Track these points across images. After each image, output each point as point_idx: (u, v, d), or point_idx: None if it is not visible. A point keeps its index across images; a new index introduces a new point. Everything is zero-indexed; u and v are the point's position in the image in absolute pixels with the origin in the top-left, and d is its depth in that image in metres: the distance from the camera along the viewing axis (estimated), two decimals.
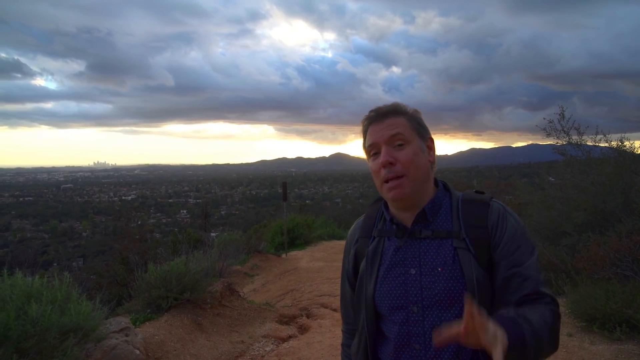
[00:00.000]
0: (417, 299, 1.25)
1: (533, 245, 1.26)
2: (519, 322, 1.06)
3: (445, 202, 1.33)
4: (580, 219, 6.45)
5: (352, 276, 1.46)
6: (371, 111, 1.36)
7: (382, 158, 1.27)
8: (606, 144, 7.06)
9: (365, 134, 1.36)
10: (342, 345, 1.56)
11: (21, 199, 77.40)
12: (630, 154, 6.79)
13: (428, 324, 1.23)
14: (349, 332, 1.51)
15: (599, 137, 7.06)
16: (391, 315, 1.29)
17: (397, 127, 1.29)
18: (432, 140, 1.36)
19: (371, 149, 1.32)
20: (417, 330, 1.24)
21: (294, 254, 12.30)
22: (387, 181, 1.27)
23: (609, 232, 5.65)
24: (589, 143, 7.25)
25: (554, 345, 1.15)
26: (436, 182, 1.38)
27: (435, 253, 1.26)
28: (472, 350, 1.19)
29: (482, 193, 1.34)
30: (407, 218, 1.32)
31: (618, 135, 7.07)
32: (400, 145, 1.28)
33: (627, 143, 6.93)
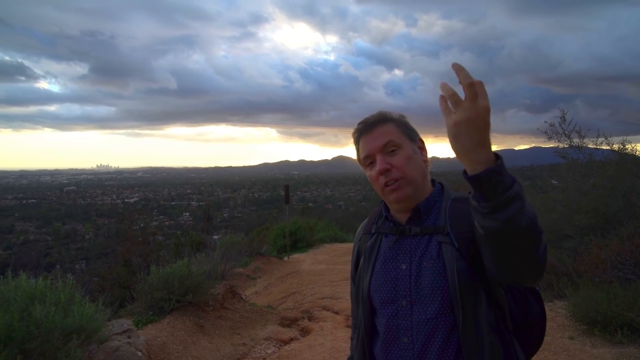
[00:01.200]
0: (406, 293, 1.29)
1: None
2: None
3: (439, 201, 1.38)
4: (582, 222, 6.46)
5: (354, 272, 1.53)
6: (359, 123, 1.42)
7: (378, 166, 1.33)
8: (608, 147, 7.06)
9: (357, 145, 1.43)
10: (350, 338, 1.61)
11: (25, 202, 77.69)
12: (632, 157, 6.79)
13: (416, 318, 1.27)
14: (355, 326, 1.56)
15: (600, 140, 7.06)
16: (382, 309, 1.34)
17: (387, 135, 1.35)
18: (422, 142, 1.42)
19: (366, 160, 1.38)
20: (406, 323, 1.28)
21: (296, 256, 12.30)
22: (387, 185, 1.33)
23: (610, 235, 5.66)
24: (591, 146, 7.24)
25: (533, 231, 1.01)
26: (434, 183, 1.43)
27: (424, 249, 1.31)
28: (456, 343, 1.22)
29: None
30: (402, 216, 1.38)
31: (620, 138, 7.07)
32: (393, 151, 1.34)
33: (628, 146, 6.94)
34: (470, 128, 0.98)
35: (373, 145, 1.35)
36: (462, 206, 1.30)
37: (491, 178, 0.97)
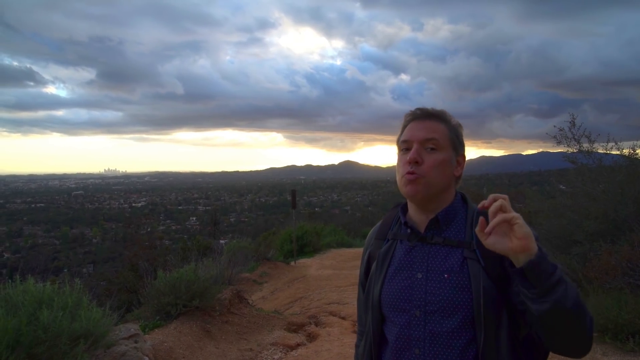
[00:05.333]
0: (420, 303, 1.25)
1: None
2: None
3: (460, 212, 1.34)
4: (592, 228, 6.38)
5: (363, 278, 1.49)
6: (417, 109, 1.39)
7: (410, 155, 1.29)
8: (618, 152, 6.99)
9: (403, 128, 1.39)
10: (355, 345, 1.58)
11: (33, 206, 78.27)
12: None
13: (429, 329, 1.23)
14: (361, 334, 1.53)
15: (610, 144, 6.99)
16: (394, 317, 1.30)
17: (434, 132, 1.32)
18: (463, 158, 1.38)
19: (403, 144, 1.35)
20: (418, 334, 1.25)
21: (303, 261, 12.29)
22: (408, 173, 1.30)
23: (621, 241, 5.59)
24: (601, 151, 7.17)
25: (581, 317, 1.10)
26: (454, 193, 1.39)
27: (443, 259, 1.27)
28: (473, 357, 1.19)
29: None
30: (421, 223, 1.35)
31: (630, 143, 6.99)
32: (432, 149, 1.30)
33: (639, 151, 6.86)
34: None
35: (417, 134, 1.32)
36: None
37: (534, 269, 1.06)
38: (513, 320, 1.20)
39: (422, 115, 1.35)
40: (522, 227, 1.05)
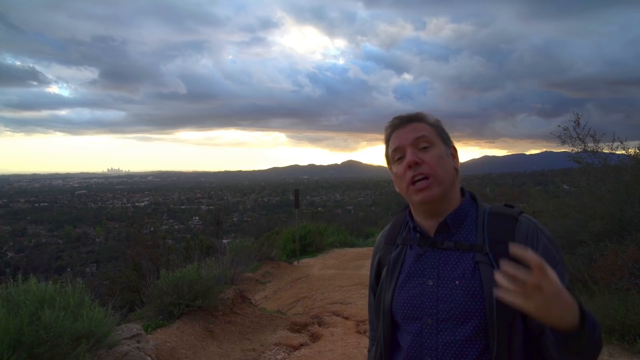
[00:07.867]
0: (432, 311, 1.21)
1: (564, 261, 1.20)
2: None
3: (471, 213, 1.28)
4: (597, 228, 6.33)
5: (374, 283, 1.44)
6: (394, 118, 1.35)
7: (408, 158, 1.24)
8: (623, 152, 6.94)
9: (388, 141, 1.35)
10: (368, 350, 1.53)
11: (36, 205, 78.52)
12: None
13: (442, 338, 1.18)
14: (373, 339, 1.48)
15: (615, 144, 6.94)
16: (406, 325, 1.26)
17: (421, 131, 1.28)
18: (455, 150, 1.34)
19: (395, 153, 1.30)
20: (430, 343, 1.20)
21: (306, 261, 12.27)
22: (413, 183, 1.24)
23: (627, 241, 5.54)
24: (606, 150, 7.12)
25: (598, 349, 1.10)
26: (463, 192, 1.34)
27: (454, 265, 1.22)
28: None
29: (512, 207, 1.29)
30: (430, 227, 1.29)
31: (635, 142, 6.94)
32: (425, 147, 1.26)
33: None
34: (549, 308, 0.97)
35: (405, 137, 1.27)
36: (502, 224, 1.22)
37: (576, 338, 1.00)
38: (526, 325, 1.15)
39: (402, 122, 1.32)
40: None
